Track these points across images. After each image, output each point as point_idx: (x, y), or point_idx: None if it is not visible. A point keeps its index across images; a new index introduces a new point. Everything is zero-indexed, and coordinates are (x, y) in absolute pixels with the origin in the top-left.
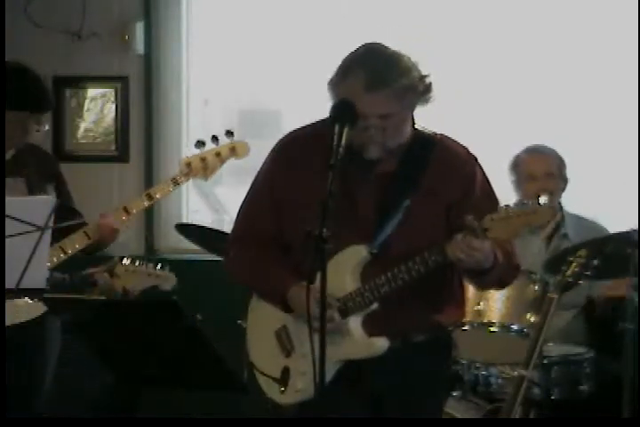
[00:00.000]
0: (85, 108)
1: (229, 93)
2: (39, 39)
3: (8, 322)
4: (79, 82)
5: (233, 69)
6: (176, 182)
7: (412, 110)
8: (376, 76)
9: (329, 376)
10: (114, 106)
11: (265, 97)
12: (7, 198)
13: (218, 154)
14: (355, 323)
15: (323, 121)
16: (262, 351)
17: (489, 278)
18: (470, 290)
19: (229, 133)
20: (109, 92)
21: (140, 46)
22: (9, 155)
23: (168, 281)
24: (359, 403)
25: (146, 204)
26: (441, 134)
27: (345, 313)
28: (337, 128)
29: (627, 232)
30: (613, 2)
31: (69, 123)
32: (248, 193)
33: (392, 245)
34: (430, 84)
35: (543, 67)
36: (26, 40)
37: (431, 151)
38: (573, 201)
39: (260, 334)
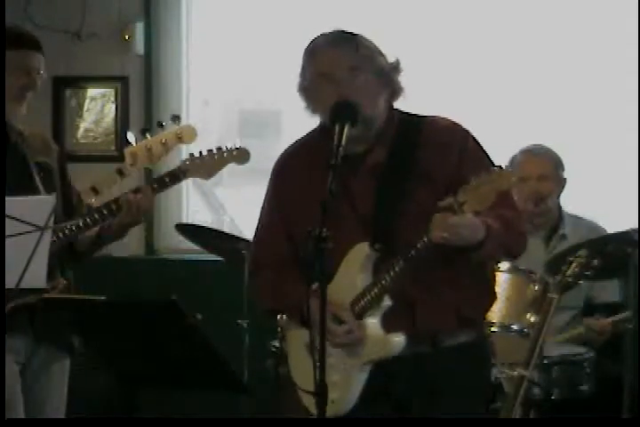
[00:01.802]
0: (85, 108)
1: (229, 93)
2: (39, 39)
3: None
4: (79, 82)
5: (233, 69)
6: (121, 173)
7: (383, 83)
8: (333, 37)
9: (359, 387)
10: (114, 106)
11: (265, 97)
12: (7, 198)
13: (163, 142)
14: (372, 323)
15: (315, 130)
16: (300, 368)
17: (489, 247)
18: None
19: (176, 118)
20: (109, 92)
21: (139, 46)
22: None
23: (243, 156)
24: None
25: (93, 198)
26: (427, 115)
27: (359, 316)
28: (337, 128)
29: (627, 232)
30: (613, 1)
31: (69, 123)
32: (259, 218)
33: (397, 237)
34: (398, 63)
35: (543, 67)
36: None
37: (420, 133)
38: (573, 201)
39: (296, 351)
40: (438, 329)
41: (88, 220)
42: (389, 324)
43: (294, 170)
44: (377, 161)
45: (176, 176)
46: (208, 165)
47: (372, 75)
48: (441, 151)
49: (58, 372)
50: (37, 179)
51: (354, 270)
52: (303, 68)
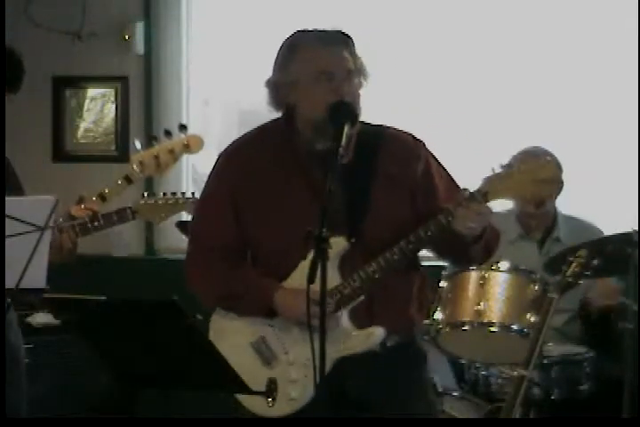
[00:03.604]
0: (85, 108)
1: (229, 93)
2: (39, 39)
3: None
4: (79, 82)
5: (233, 69)
6: (129, 180)
7: (361, 86)
8: (329, 36)
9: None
10: (114, 106)
11: (265, 97)
12: (7, 198)
13: (171, 150)
14: (343, 317)
15: (274, 122)
16: (238, 367)
17: (481, 243)
18: (470, 290)
19: (183, 128)
20: (109, 92)
21: (139, 46)
22: None
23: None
24: (342, 410)
25: (98, 205)
26: (382, 125)
27: (336, 309)
28: (336, 128)
29: (627, 233)
30: (613, 2)
31: (69, 123)
32: (202, 204)
33: (365, 233)
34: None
35: (541, 67)
36: (26, 40)
37: (381, 140)
38: (572, 202)
39: (233, 349)
40: (393, 328)
41: None
42: (350, 318)
43: (250, 160)
44: (344, 161)
45: (125, 216)
46: (160, 209)
47: (360, 78)
48: (404, 159)
49: None
50: None
51: (326, 263)
52: (286, 61)
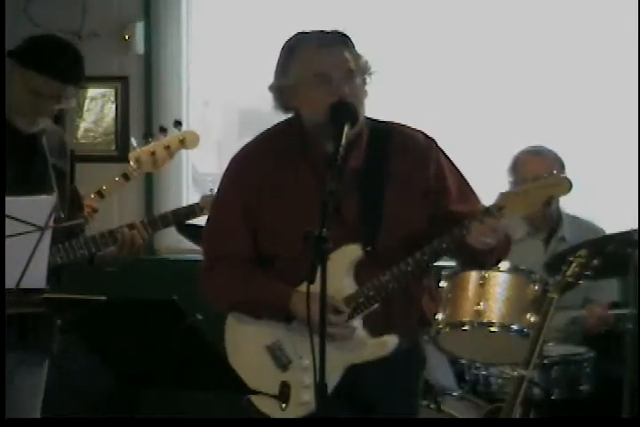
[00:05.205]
0: (85, 108)
1: (229, 93)
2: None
3: None
4: None
5: (233, 69)
6: (127, 177)
7: (364, 85)
8: (327, 37)
9: (331, 386)
10: (114, 106)
11: (265, 97)
12: (7, 198)
13: (167, 147)
14: (358, 325)
15: (280, 126)
16: (252, 369)
17: (494, 252)
18: (470, 290)
19: (177, 124)
20: (109, 92)
21: (139, 46)
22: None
23: None
24: (353, 413)
25: (96, 201)
26: (393, 122)
27: (349, 316)
28: (337, 128)
29: (627, 232)
30: (613, 2)
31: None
32: (214, 212)
33: (380, 241)
34: (370, 66)
35: (542, 67)
36: None
37: (391, 140)
38: (573, 202)
39: (247, 351)
40: (408, 332)
41: (85, 251)
42: (366, 325)
43: (261, 165)
44: (356, 166)
45: (194, 212)
46: None
47: (361, 77)
48: (416, 161)
49: (36, 372)
50: (54, 182)
51: (340, 272)
52: (285, 65)
